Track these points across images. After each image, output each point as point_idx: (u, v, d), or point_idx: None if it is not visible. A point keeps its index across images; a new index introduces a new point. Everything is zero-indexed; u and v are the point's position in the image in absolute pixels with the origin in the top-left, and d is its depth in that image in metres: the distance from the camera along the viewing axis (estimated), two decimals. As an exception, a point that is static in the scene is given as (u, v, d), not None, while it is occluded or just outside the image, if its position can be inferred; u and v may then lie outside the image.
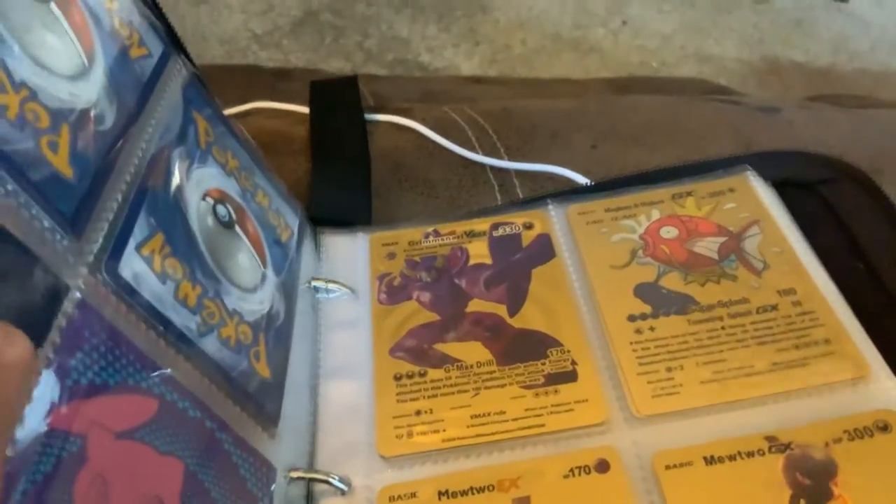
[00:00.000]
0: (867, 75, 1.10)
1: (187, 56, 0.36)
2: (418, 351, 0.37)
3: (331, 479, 0.33)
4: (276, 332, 0.35)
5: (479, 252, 0.41)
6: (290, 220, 0.40)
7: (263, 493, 0.30)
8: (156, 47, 0.33)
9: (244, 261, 0.34)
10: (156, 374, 0.26)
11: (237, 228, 0.34)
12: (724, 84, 0.94)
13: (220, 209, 0.34)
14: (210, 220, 0.33)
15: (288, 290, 0.37)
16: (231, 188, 0.35)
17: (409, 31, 1.16)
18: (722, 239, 0.40)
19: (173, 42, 0.35)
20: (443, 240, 0.42)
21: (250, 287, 0.34)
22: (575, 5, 1.20)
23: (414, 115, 0.55)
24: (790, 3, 1.21)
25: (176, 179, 0.31)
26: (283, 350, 0.35)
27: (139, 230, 0.27)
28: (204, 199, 0.33)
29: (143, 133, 0.30)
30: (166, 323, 0.27)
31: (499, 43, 1.15)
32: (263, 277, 0.35)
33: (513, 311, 0.38)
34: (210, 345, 0.30)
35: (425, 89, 0.84)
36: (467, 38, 1.16)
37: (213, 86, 0.38)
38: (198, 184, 0.33)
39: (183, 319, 0.28)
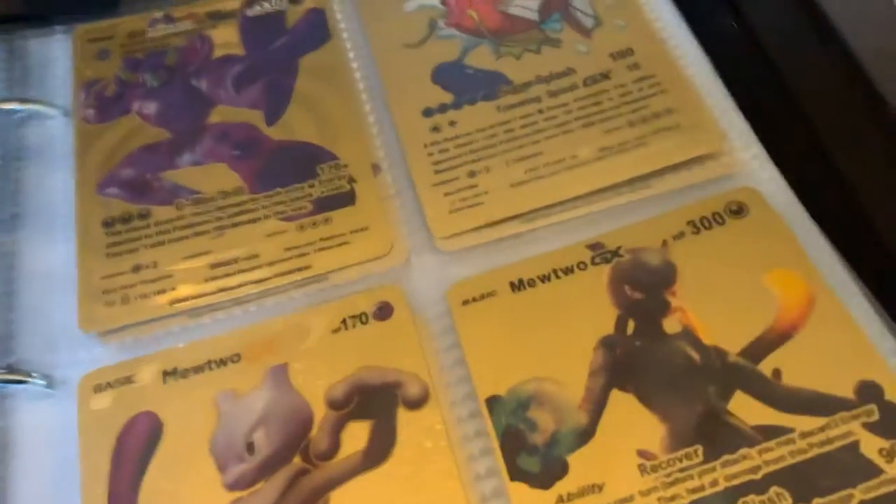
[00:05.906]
0: None
1: None
2: (139, 183, 0.27)
3: (29, 379, 0.24)
4: None
5: (227, 40, 0.30)
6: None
7: None
8: None
9: None
10: None
11: None
12: None
13: None
14: None
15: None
16: None
17: None
18: (545, -7, 0.30)
19: None
20: (177, 26, 0.31)
21: None
22: None
23: None
24: None
25: None
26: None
27: None
28: None
29: None
30: None
31: None
32: None
33: (272, 119, 0.28)
34: None
35: None
36: None
37: None
38: None
39: None
